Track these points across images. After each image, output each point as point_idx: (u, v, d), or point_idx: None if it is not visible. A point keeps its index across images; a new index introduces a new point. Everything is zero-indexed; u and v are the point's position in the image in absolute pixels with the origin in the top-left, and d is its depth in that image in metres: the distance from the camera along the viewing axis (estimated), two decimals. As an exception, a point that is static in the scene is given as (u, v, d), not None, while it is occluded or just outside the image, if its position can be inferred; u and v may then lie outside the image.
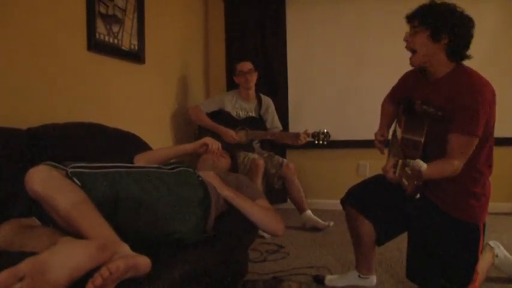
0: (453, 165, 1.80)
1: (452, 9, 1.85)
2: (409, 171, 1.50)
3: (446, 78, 1.90)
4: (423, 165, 1.50)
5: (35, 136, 1.93)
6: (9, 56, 2.12)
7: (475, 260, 1.91)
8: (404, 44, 1.96)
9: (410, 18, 1.92)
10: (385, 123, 2.28)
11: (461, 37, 1.85)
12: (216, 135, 3.56)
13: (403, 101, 2.10)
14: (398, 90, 2.23)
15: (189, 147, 2.37)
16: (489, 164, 1.94)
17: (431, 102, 1.91)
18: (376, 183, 2.10)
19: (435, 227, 1.92)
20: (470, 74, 1.87)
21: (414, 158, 1.70)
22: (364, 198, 2.13)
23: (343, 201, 2.23)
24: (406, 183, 1.52)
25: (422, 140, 1.85)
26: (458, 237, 1.90)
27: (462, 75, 1.87)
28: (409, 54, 1.96)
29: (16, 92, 2.16)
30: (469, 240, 1.91)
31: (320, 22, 4.44)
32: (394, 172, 1.63)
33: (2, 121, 1.90)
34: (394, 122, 2.28)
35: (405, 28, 1.98)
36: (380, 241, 2.16)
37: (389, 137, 2.26)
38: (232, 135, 3.65)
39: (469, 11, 1.87)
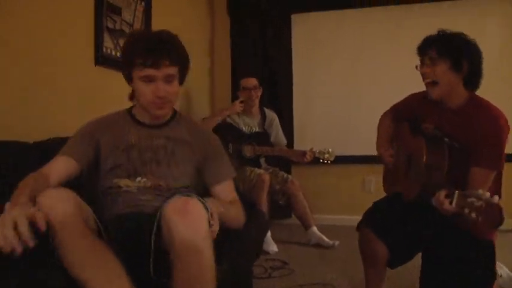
0: None
1: (466, 38, 1.84)
2: (479, 204, 1.42)
3: (463, 110, 1.88)
4: (495, 196, 1.41)
5: (41, 149, 1.93)
6: (17, 71, 2.14)
7: (493, 276, 1.89)
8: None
9: (424, 50, 1.90)
10: (386, 139, 2.27)
11: (478, 65, 1.84)
12: (228, 128, 3.65)
13: (409, 120, 2.10)
14: (402, 110, 2.21)
15: None
16: (500, 185, 1.93)
17: (445, 131, 1.91)
18: (390, 205, 2.10)
19: (451, 245, 1.89)
20: (488, 107, 1.85)
21: (438, 182, 1.68)
22: (379, 220, 2.11)
23: (358, 224, 2.20)
24: (474, 215, 1.44)
25: (446, 163, 1.84)
26: (475, 254, 1.87)
27: (479, 108, 1.85)
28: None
29: (23, 106, 2.17)
30: (485, 257, 1.88)
31: (325, 38, 4.47)
32: (450, 202, 1.56)
33: (9, 134, 1.91)
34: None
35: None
36: (394, 264, 2.12)
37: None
38: (236, 103, 3.74)
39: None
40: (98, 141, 1.72)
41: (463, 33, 1.86)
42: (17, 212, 1.17)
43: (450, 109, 1.91)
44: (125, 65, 1.67)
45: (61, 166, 1.61)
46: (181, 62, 1.69)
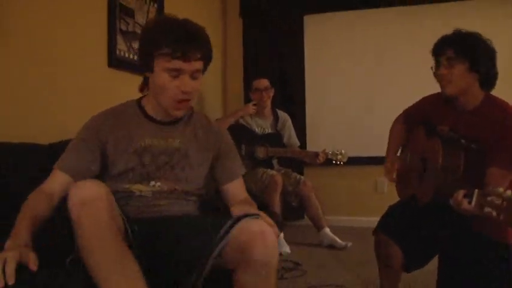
0: None
1: (482, 38, 1.82)
2: (499, 202, 1.40)
3: (479, 110, 1.85)
4: None
5: (55, 151, 1.94)
6: (32, 74, 2.16)
7: (511, 279, 1.86)
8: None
9: (440, 50, 1.87)
10: (395, 150, 2.25)
11: (494, 65, 1.82)
12: (240, 129, 3.64)
13: (423, 124, 2.08)
14: (415, 114, 2.19)
15: None
16: None
17: (461, 132, 1.88)
18: (405, 209, 2.08)
19: (468, 247, 1.87)
20: (507, 107, 1.83)
21: (454, 183, 1.66)
22: (395, 225, 2.09)
23: (375, 229, 2.18)
24: (495, 214, 1.42)
25: (462, 164, 1.81)
26: (492, 255, 1.85)
27: (497, 108, 1.83)
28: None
29: (38, 109, 2.20)
30: (503, 259, 1.85)
31: (338, 39, 4.47)
32: (470, 202, 1.54)
33: (25, 137, 1.93)
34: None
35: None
36: (410, 268, 2.11)
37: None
38: (250, 105, 3.74)
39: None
40: (105, 143, 1.57)
41: (478, 33, 1.84)
42: (9, 253, 1.16)
43: (466, 110, 1.89)
44: (147, 52, 1.51)
45: (63, 182, 1.50)
46: (209, 56, 1.57)
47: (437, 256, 2.04)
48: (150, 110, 1.64)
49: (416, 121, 2.14)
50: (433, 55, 1.92)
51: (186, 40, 1.46)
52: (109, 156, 1.57)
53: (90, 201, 1.22)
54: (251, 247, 1.29)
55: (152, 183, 1.59)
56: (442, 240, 1.95)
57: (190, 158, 1.65)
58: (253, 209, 1.61)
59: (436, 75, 1.91)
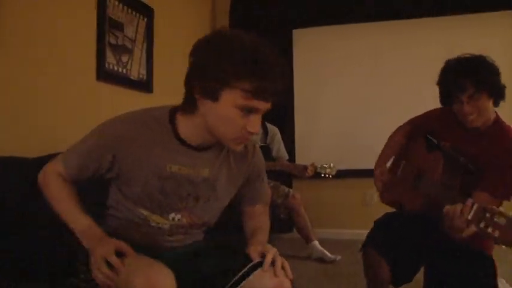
0: None
1: (489, 62, 1.83)
2: (499, 220, 1.42)
3: (486, 132, 1.88)
4: None
5: (41, 165, 1.93)
6: (19, 87, 2.15)
7: None
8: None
9: (460, 87, 1.81)
10: (386, 161, 2.24)
11: (501, 82, 1.85)
12: None
13: (425, 137, 2.10)
14: (423, 126, 2.17)
15: None
16: None
17: (464, 150, 1.89)
18: (391, 222, 2.09)
19: (452, 259, 1.88)
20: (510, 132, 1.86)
21: (448, 199, 1.68)
22: (382, 239, 2.09)
23: (362, 246, 2.18)
24: (490, 230, 1.45)
25: (458, 183, 1.84)
26: (477, 268, 1.86)
27: (503, 132, 1.86)
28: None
29: (25, 122, 2.18)
30: (487, 271, 1.87)
31: (326, 53, 4.50)
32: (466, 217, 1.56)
33: (6, 150, 1.92)
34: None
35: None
36: (398, 282, 2.11)
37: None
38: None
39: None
40: (120, 158, 1.37)
41: (483, 56, 1.84)
42: (103, 249, 1.21)
43: (478, 131, 1.90)
44: (219, 79, 1.23)
45: (63, 173, 1.43)
46: None
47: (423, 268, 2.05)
48: (184, 131, 1.39)
49: (424, 132, 2.14)
50: (447, 89, 1.89)
51: (273, 78, 1.24)
52: (124, 173, 1.39)
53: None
54: None
55: (172, 215, 1.43)
56: (427, 251, 1.96)
57: (218, 189, 1.48)
58: (265, 235, 1.61)
59: (455, 109, 1.88)
